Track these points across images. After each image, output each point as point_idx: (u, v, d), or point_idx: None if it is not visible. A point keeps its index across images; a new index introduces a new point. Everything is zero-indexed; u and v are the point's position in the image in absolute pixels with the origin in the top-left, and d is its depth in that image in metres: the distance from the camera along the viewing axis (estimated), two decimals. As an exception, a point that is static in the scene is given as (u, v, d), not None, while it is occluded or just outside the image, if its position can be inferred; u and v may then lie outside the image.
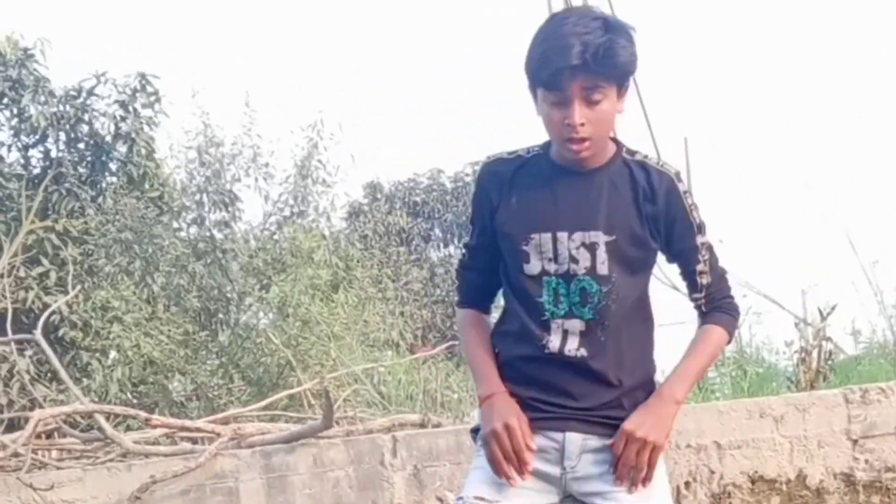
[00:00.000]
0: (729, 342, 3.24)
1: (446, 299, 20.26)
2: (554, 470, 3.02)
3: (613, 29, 2.90)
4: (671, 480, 5.59)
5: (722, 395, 7.14)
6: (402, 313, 14.18)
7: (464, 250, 3.30)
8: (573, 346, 3.00)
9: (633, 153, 3.08)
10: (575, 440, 3.01)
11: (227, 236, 13.85)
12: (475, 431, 3.15)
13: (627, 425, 2.97)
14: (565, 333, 3.01)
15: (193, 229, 14.28)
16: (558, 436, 3.01)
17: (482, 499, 3.01)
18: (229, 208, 14.38)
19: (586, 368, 3.00)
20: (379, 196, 21.75)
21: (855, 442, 5.54)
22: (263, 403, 8.27)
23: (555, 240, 3.00)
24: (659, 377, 3.15)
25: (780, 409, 5.62)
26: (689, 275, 3.14)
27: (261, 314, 13.21)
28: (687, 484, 5.66)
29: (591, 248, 2.98)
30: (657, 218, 3.02)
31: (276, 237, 14.04)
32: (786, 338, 7.28)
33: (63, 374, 7.81)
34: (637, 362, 3.08)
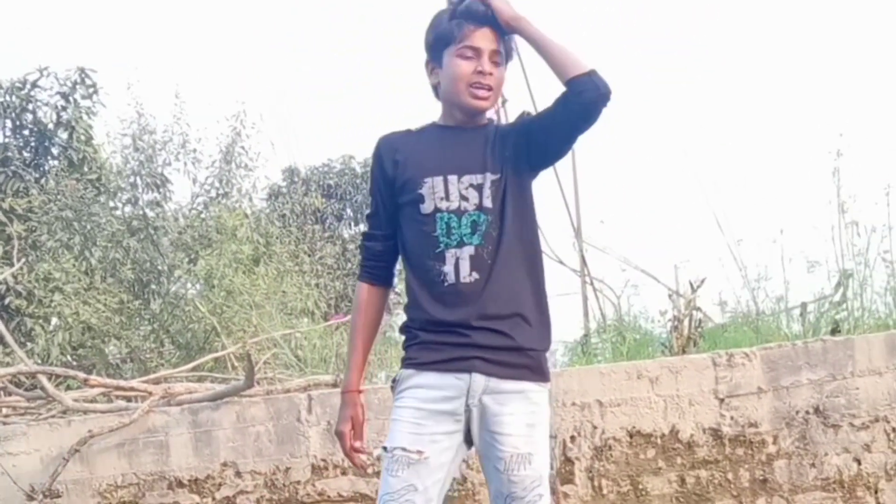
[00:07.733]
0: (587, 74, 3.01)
1: (357, 272, 20.15)
2: (458, 408, 3.02)
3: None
4: (558, 435, 5.67)
5: (603, 359, 7.16)
6: (317, 285, 14.10)
7: (366, 222, 3.33)
8: (465, 272, 3.02)
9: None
10: (479, 381, 3.00)
11: (158, 215, 13.65)
12: (395, 382, 3.17)
13: None
14: (458, 261, 3.03)
15: (128, 208, 14.09)
16: (465, 376, 3.02)
17: (404, 449, 3.01)
18: (160, 189, 14.24)
19: (480, 296, 3.00)
20: (296, 179, 21.53)
21: (722, 400, 5.63)
22: (191, 365, 8.18)
23: (446, 182, 3.06)
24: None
25: (656, 372, 5.69)
26: (550, 110, 3.06)
27: (189, 285, 13.03)
28: (572, 438, 5.70)
29: (479, 187, 3.05)
30: (507, 136, 3.12)
31: (202, 216, 13.86)
32: (660, 308, 7.33)
33: (9, 338, 7.62)
34: (525, 292, 3.06)
